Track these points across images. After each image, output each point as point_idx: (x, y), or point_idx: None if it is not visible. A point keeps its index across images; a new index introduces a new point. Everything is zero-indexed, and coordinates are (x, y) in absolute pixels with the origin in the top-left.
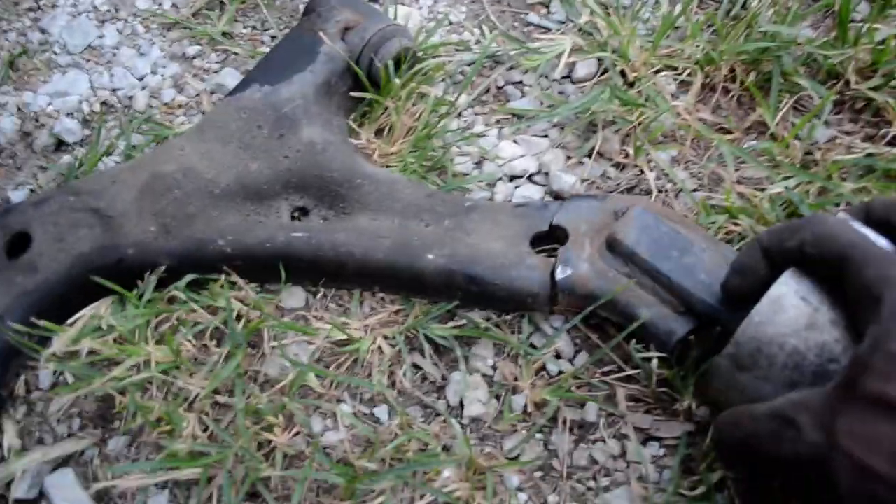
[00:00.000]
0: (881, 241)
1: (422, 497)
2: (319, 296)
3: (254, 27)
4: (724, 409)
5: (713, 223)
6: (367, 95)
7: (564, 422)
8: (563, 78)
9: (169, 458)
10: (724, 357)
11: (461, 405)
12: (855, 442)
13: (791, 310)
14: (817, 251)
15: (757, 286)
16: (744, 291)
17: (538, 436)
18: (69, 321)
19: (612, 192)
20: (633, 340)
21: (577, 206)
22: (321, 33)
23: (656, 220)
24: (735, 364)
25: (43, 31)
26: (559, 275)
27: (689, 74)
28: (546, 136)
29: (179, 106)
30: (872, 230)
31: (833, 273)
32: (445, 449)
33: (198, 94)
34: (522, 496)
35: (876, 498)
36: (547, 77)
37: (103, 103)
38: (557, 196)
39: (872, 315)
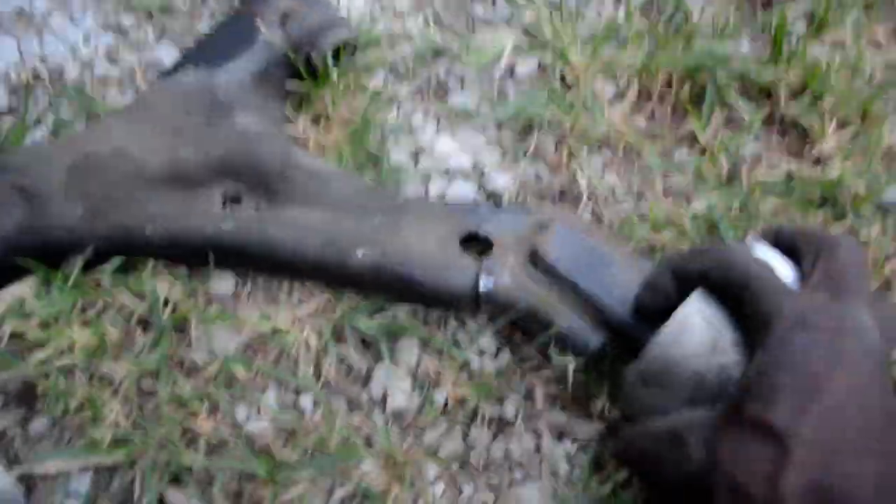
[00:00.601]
0: (785, 266)
1: (341, 486)
2: (249, 284)
3: (193, 2)
4: (631, 417)
5: (636, 234)
6: (303, 88)
7: (483, 417)
8: (503, 75)
9: (90, 446)
10: (631, 372)
11: (385, 398)
12: (734, 463)
13: (696, 332)
14: (719, 277)
15: (664, 303)
16: (652, 307)
17: (457, 430)
18: None
19: (543, 194)
20: (553, 345)
21: (504, 217)
22: (259, 20)
23: (577, 235)
24: (641, 379)
25: None
26: (482, 286)
27: (626, 81)
28: (483, 133)
29: (113, 80)
30: (779, 253)
31: (733, 299)
32: (367, 441)
33: (132, 69)
34: (439, 487)
35: None
36: (488, 72)
37: (32, 71)
38: (491, 196)
39: (761, 343)
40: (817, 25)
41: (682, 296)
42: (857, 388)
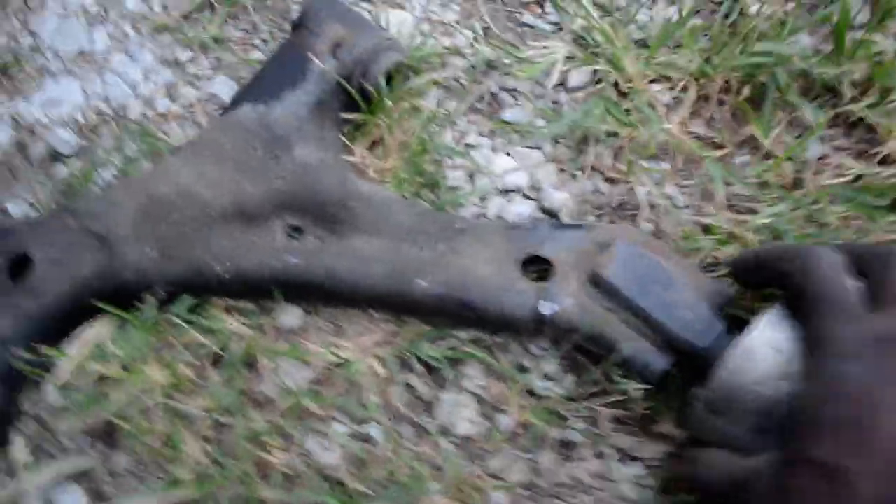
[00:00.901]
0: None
1: None
2: (315, 315)
3: (245, 30)
4: (703, 442)
5: (699, 248)
6: (358, 116)
7: (549, 441)
8: (557, 86)
9: (171, 483)
10: (698, 399)
11: (451, 425)
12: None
13: (763, 361)
14: (794, 285)
15: (750, 281)
16: (741, 277)
17: (524, 455)
18: (67, 342)
19: (602, 208)
20: (617, 368)
21: (562, 236)
22: (310, 52)
23: (639, 254)
24: (708, 407)
25: (33, 34)
26: (544, 310)
27: (683, 86)
28: (539, 148)
29: (174, 116)
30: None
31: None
32: (435, 468)
33: (191, 105)
34: None
35: None
36: (541, 84)
37: (96, 112)
38: (548, 212)
39: (808, 371)
40: (882, 15)
41: (757, 284)
42: None
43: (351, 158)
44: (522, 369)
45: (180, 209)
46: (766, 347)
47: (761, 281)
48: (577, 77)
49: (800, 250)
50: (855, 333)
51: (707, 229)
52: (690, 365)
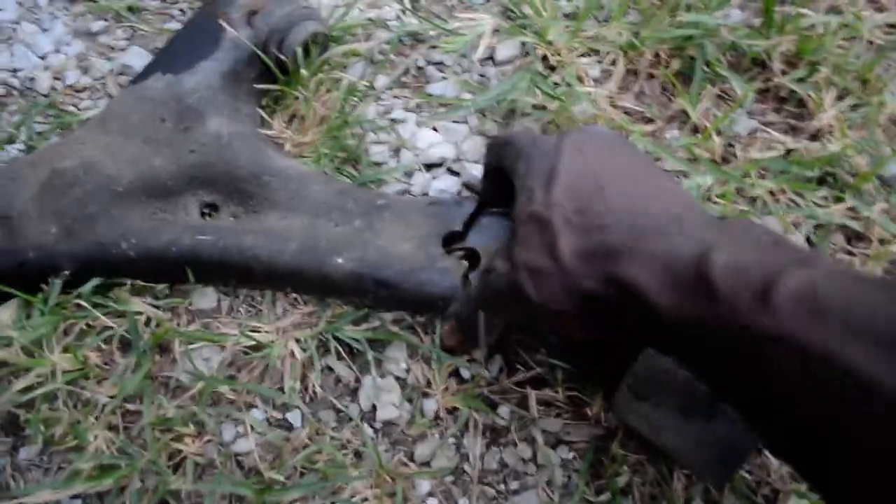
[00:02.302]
0: None
1: None
2: (231, 297)
3: (162, 1)
4: (631, 429)
5: None
6: (273, 87)
7: (476, 426)
8: (483, 59)
9: (74, 477)
10: (623, 386)
11: (374, 410)
12: (522, 254)
13: None
14: (501, 155)
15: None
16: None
17: (450, 440)
18: None
19: None
20: (545, 349)
21: (488, 224)
22: (223, 20)
23: None
24: (633, 393)
25: None
26: (469, 285)
27: (612, 60)
28: (465, 122)
29: (84, 89)
30: None
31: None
32: (357, 455)
33: (103, 77)
34: (433, 501)
35: (553, 292)
36: (467, 58)
37: (4, 85)
38: (473, 188)
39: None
40: None
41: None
42: (579, 157)
43: (268, 132)
44: (448, 351)
45: (84, 184)
46: None
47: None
48: (505, 50)
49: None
50: (543, 140)
51: None
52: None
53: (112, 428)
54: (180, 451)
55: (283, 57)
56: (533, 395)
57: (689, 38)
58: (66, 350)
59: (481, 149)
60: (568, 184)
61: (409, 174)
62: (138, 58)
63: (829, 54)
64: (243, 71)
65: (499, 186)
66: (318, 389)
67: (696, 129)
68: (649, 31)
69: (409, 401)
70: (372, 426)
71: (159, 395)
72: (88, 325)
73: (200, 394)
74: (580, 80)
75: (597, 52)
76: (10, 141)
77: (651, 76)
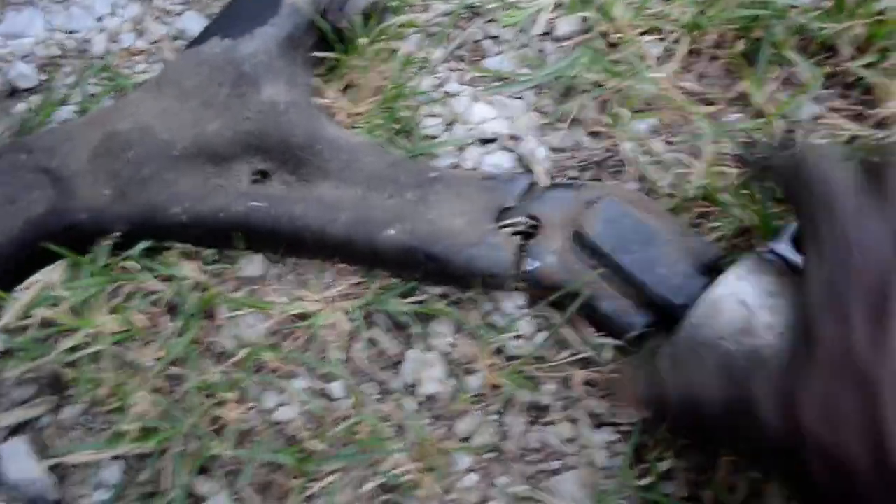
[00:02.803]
0: None
1: (371, 477)
2: (279, 265)
3: None
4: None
5: (685, 206)
6: (331, 55)
7: (518, 404)
8: (543, 34)
9: (117, 438)
10: (662, 356)
11: (417, 384)
12: (821, 424)
13: (727, 313)
14: (791, 183)
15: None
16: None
17: (492, 417)
18: (20, 287)
19: (585, 164)
20: (594, 327)
21: (551, 195)
22: None
23: (623, 211)
24: (671, 362)
25: None
26: (527, 266)
27: (675, 39)
28: (521, 98)
29: (140, 52)
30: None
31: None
32: (399, 428)
33: (158, 40)
34: (473, 477)
35: (859, 473)
36: (526, 32)
37: (59, 46)
38: (527, 165)
39: (815, 260)
40: None
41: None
42: None
43: (322, 101)
44: (493, 328)
45: (138, 147)
46: (731, 299)
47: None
48: (565, 26)
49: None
50: (866, 225)
51: (695, 188)
52: (669, 325)
53: (156, 391)
54: (221, 417)
55: (341, 25)
56: (579, 374)
57: (756, 18)
58: (112, 312)
59: (537, 124)
60: None
61: (461, 148)
62: (194, 22)
63: None
64: (301, 38)
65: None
66: (362, 361)
67: (758, 114)
68: (715, 10)
69: (454, 376)
70: (415, 400)
71: (204, 360)
72: (137, 288)
73: (244, 360)
74: (642, 58)
75: (660, 30)
76: (64, 102)
77: (714, 57)
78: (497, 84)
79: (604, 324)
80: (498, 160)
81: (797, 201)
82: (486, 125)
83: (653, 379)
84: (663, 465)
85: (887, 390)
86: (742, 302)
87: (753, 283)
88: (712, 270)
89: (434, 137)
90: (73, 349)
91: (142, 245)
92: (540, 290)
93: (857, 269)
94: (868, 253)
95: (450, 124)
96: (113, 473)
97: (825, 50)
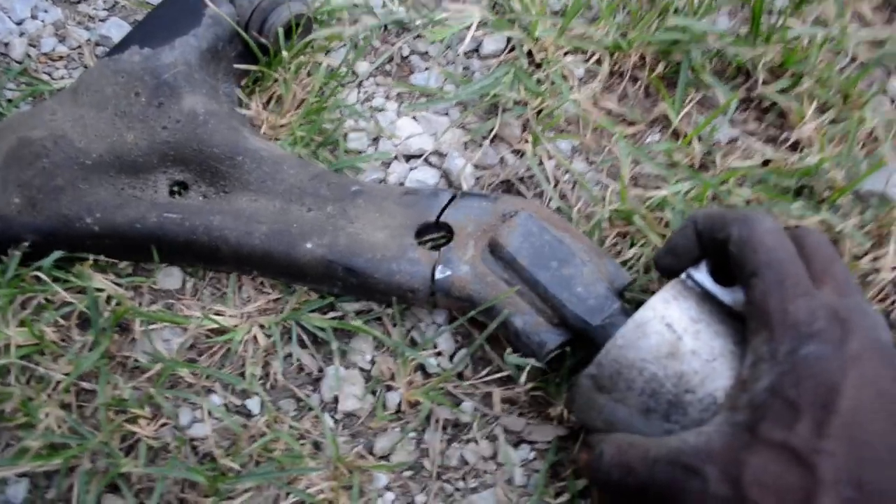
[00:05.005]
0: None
1: (286, 496)
2: (195, 278)
3: None
4: (587, 426)
5: (601, 226)
6: (253, 67)
7: (438, 421)
8: (469, 52)
9: (21, 454)
10: (585, 376)
11: (336, 401)
12: (765, 495)
13: (654, 336)
14: (736, 254)
15: (685, 265)
16: (675, 270)
17: (411, 434)
18: None
19: (507, 180)
20: (509, 343)
21: (466, 204)
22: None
23: (540, 227)
24: (595, 384)
25: None
26: (438, 274)
27: (598, 60)
28: (447, 114)
29: (60, 57)
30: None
31: (741, 280)
32: (316, 446)
33: (80, 46)
34: (390, 496)
35: None
36: (453, 49)
37: None
38: (451, 180)
39: (768, 353)
40: (799, 0)
41: (702, 258)
42: (871, 386)
43: (246, 112)
44: (413, 344)
45: (52, 155)
46: (658, 322)
47: (693, 260)
48: (491, 44)
49: (740, 215)
50: (811, 310)
51: (612, 207)
52: (585, 345)
53: (65, 406)
54: (134, 434)
55: (263, 38)
56: (497, 392)
57: (675, 42)
58: (21, 324)
59: (461, 141)
60: (852, 428)
61: (386, 163)
62: (117, 29)
63: (813, 67)
64: (223, 49)
65: (692, 261)
66: (279, 377)
67: (677, 135)
68: (636, 32)
69: (373, 393)
70: (333, 417)
71: (116, 375)
72: (47, 300)
73: (158, 376)
74: (565, 78)
75: (583, 51)
76: None
77: (635, 79)
78: (423, 100)
79: (517, 339)
80: (422, 176)
81: (745, 271)
82: (412, 141)
83: (574, 405)
84: (579, 483)
85: (821, 475)
86: (668, 325)
87: (678, 308)
88: (623, 294)
89: (359, 152)
90: None
91: (54, 256)
92: (453, 302)
93: (808, 364)
94: (819, 348)
95: (375, 139)
96: (19, 491)
97: (741, 74)
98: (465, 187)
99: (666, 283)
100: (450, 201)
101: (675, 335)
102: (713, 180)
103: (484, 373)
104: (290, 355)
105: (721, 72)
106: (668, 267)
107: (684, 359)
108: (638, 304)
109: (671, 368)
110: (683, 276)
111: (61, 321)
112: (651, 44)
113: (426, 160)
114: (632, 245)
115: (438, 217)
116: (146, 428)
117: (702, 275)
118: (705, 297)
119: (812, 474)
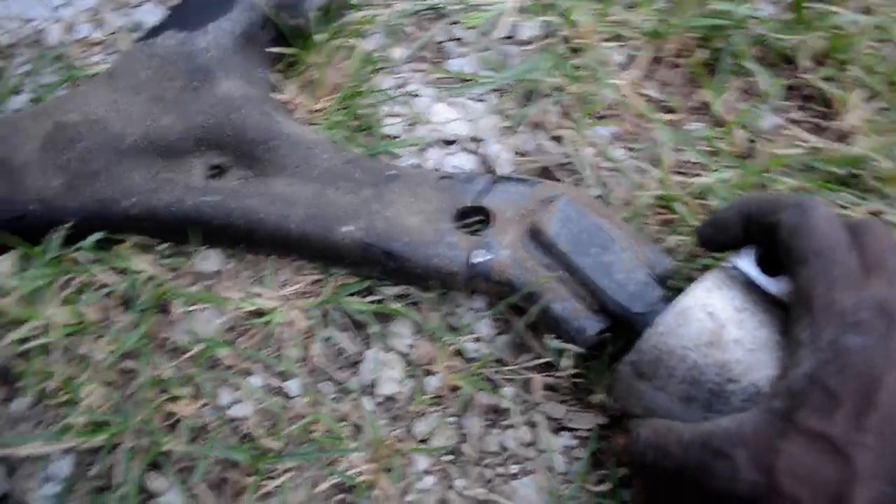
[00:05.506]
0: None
1: (326, 477)
2: (234, 260)
3: None
4: (628, 412)
5: (643, 213)
6: (287, 51)
7: (477, 406)
8: (505, 38)
9: (64, 431)
10: (625, 363)
11: (374, 384)
12: (798, 485)
13: (695, 323)
14: (786, 241)
15: (727, 244)
16: (713, 244)
17: (450, 419)
18: None
19: (545, 167)
20: (548, 329)
21: (505, 188)
22: None
23: (581, 212)
24: (635, 371)
25: None
26: (476, 258)
27: (637, 46)
28: (483, 100)
29: (96, 43)
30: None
31: (788, 268)
32: (356, 428)
33: (115, 32)
34: (430, 479)
35: None
36: (488, 35)
37: (13, 34)
38: (488, 166)
39: (809, 339)
40: None
41: (746, 242)
42: None
43: (281, 97)
44: (452, 329)
45: (88, 139)
46: (700, 310)
47: (736, 238)
48: (527, 30)
49: (792, 201)
50: (857, 301)
51: (652, 195)
52: (626, 331)
53: (108, 384)
54: (175, 413)
55: (296, 22)
56: (538, 378)
57: (716, 27)
58: (64, 303)
59: (498, 127)
60: (891, 422)
61: (422, 149)
62: (152, 14)
63: (859, 55)
64: (257, 34)
65: (735, 242)
66: (319, 360)
67: (718, 122)
68: (677, 18)
69: (412, 377)
70: (372, 400)
71: (157, 354)
72: (89, 280)
73: (199, 356)
74: (603, 64)
75: (622, 37)
76: (16, 91)
77: (676, 65)
78: (459, 86)
79: (556, 326)
80: (459, 161)
81: (793, 258)
82: (448, 126)
83: (615, 391)
84: (621, 472)
85: (857, 466)
86: (710, 314)
87: (721, 297)
88: (665, 281)
89: (394, 137)
90: (22, 340)
91: (94, 237)
92: (492, 286)
93: (850, 354)
94: (862, 339)
95: (411, 124)
96: (63, 467)
97: (785, 61)
98: (502, 174)
99: (707, 272)
100: (488, 185)
101: (717, 324)
102: (757, 168)
103: (524, 358)
104: (329, 338)
105: (763, 58)
106: (707, 237)
107: (727, 348)
108: (679, 291)
109: (713, 357)
110: (727, 263)
111: (103, 301)
112: (692, 29)
113: (462, 146)
114: (673, 233)
115: (476, 201)
116: (187, 408)
117: (746, 263)
118: (750, 286)
119: (848, 466)
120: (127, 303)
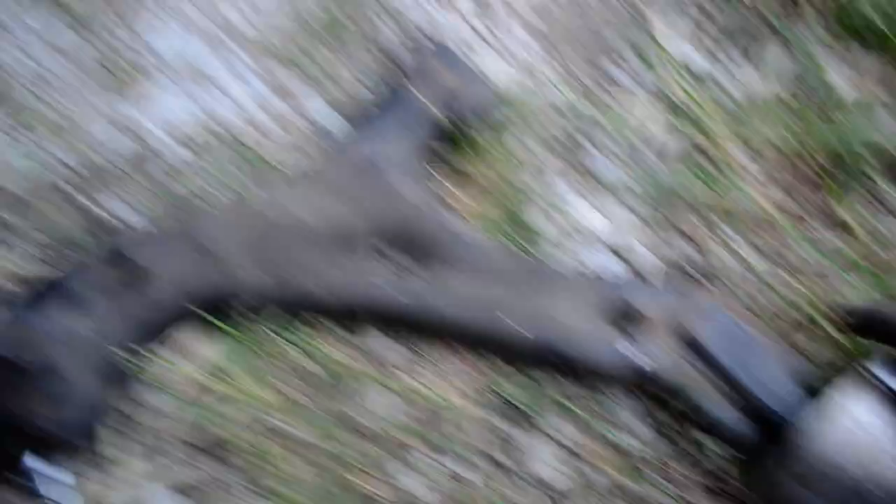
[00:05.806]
0: None
1: None
2: (403, 344)
3: (354, 70)
4: None
5: (784, 318)
6: (455, 157)
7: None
8: (649, 148)
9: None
10: (777, 467)
11: (541, 472)
12: None
13: (842, 432)
14: None
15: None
16: (862, 331)
17: None
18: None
19: (690, 274)
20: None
21: (658, 296)
22: (421, 97)
23: (733, 323)
24: (796, 479)
25: (151, 49)
26: (634, 359)
27: (771, 157)
28: (630, 207)
29: (283, 143)
30: None
31: None
32: None
33: (299, 133)
34: None
35: None
36: (632, 144)
37: (206, 130)
38: (637, 273)
39: None
40: None
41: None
42: None
43: (442, 195)
44: (611, 424)
45: (286, 233)
46: (847, 420)
47: (875, 335)
48: (671, 141)
49: None
50: None
51: (796, 307)
52: (767, 430)
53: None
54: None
55: (468, 133)
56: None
57: (847, 146)
58: (263, 384)
59: (645, 233)
60: None
61: (574, 252)
62: (332, 120)
63: None
64: (431, 141)
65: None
66: (490, 448)
67: (843, 226)
68: (804, 131)
69: (565, 463)
70: (529, 483)
71: (346, 434)
72: (285, 363)
73: (380, 437)
74: (739, 173)
75: (755, 146)
76: (214, 184)
77: (809, 179)
78: (606, 191)
79: (713, 428)
80: (610, 266)
81: None
82: (598, 233)
83: (759, 487)
84: None
85: None
86: (857, 422)
87: (865, 409)
88: (811, 388)
89: (548, 238)
90: (230, 417)
91: (285, 319)
92: (646, 385)
93: None
94: None
95: (562, 227)
96: None
97: None
98: (648, 278)
99: (843, 376)
100: (641, 290)
101: (870, 437)
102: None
103: (688, 465)
104: (491, 423)
105: (890, 167)
106: (857, 325)
107: (885, 462)
108: (820, 396)
109: (870, 470)
110: (862, 370)
111: (295, 381)
112: (824, 147)
113: (613, 252)
114: (812, 341)
115: (631, 305)
116: (369, 486)
117: (879, 368)
118: (885, 390)
119: None
120: (315, 382)
